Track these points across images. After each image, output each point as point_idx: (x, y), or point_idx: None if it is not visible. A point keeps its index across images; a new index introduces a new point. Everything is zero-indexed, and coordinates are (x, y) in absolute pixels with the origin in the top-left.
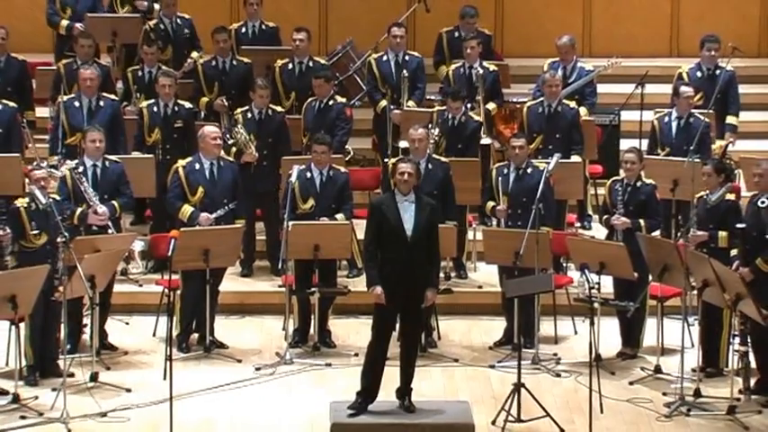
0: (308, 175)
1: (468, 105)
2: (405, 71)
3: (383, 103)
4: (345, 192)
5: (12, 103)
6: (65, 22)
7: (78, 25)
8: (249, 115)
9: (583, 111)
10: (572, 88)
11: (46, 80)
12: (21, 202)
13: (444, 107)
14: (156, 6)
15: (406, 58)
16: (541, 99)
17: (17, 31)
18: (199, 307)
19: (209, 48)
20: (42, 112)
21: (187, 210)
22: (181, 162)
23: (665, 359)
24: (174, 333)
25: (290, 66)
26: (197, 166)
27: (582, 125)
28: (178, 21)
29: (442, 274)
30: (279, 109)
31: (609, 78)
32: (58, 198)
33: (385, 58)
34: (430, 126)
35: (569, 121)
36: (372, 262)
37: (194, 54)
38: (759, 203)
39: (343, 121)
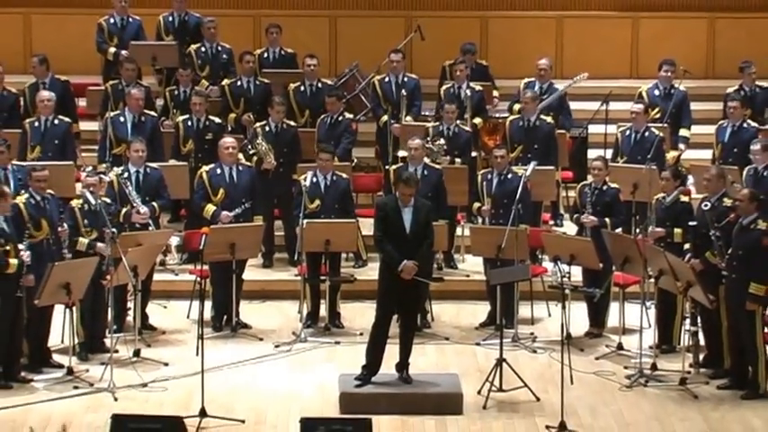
0: (315, 179)
1: (458, 122)
2: (403, 90)
3: (385, 117)
4: (348, 196)
5: (66, 118)
6: (112, 50)
7: (123, 52)
8: (267, 128)
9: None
10: (546, 103)
11: (95, 98)
12: (75, 203)
13: (438, 122)
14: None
15: (405, 79)
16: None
17: (70, 55)
18: (226, 293)
19: (238, 69)
20: (92, 125)
21: (210, 209)
22: (204, 168)
23: (626, 338)
24: (210, 315)
25: (302, 87)
26: (218, 171)
27: (556, 137)
28: (218, 48)
29: (435, 265)
30: (292, 123)
31: (578, 97)
32: (108, 201)
33: (387, 79)
34: (428, 139)
35: (546, 133)
36: (389, 247)
37: (225, 81)
38: (702, 206)
39: (348, 133)
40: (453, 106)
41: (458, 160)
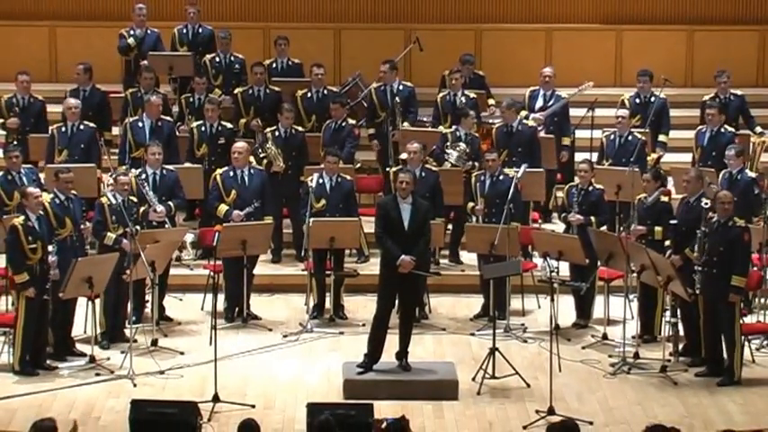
0: (321, 180)
1: (454, 127)
2: (397, 98)
3: (371, 130)
4: (352, 197)
5: (92, 124)
6: (131, 40)
7: (145, 57)
8: (277, 133)
9: (566, 140)
10: (551, 110)
11: (116, 105)
12: (104, 200)
13: (454, 128)
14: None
15: (401, 87)
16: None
17: (93, 65)
18: (238, 287)
19: (249, 79)
20: (113, 130)
21: (223, 208)
22: (218, 171)
23: (610, 328)
24: (222, 307)
25: (309, 94)
26: (231, 173)
27: (542, 141)
28: (231, 58)
29: (432, 260)
30: (300, 129)
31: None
32: (135, 200)
33: (382, 87)
34: (448, 144)
35: (528, 137)
36: (389, 243)
37: (238, 89)
38: (693, 202)
39: (352, 138)
40: (474, 113)
41: (477, 164)
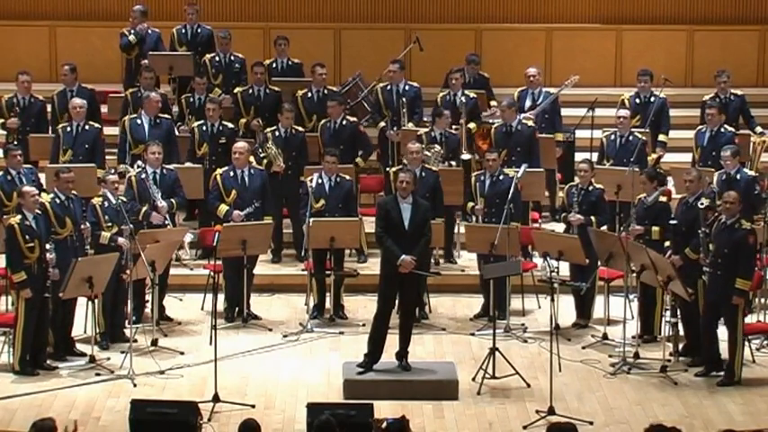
0: (320, 180)
1: (454, 127)
2: (403, 98)
3: (382, 123)
4: (351, 196)
5: (96, 124)
6: (132, 38)
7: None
8: (277, 133)
9: (560, 135)
10: (541, 108)
11: (116, 105)
12: (96, 200)
13: (428, 129)
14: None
15: (406, 87)
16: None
17: (93, 65)
18: (238, 287)
19: (249, 79)
20: (113, 130)
21: (223, 208)
22: (219, 170)
23: (610, 328)
24: (222, 307)
25: (309, 94)
26: (231, 173)
27: (541, 141)
28: (231, 57)
29: (432, 260)
30: (300, 129)
31: (566, 104)
32: (125, 199)
33: (388, 87)
34: (423, 146)
35: (527, 137)
36: (389, 242)
37: (237, 89)
38: (693, 202)
39: (360, 137)
40: (448, 112)
41: (453, 163)
